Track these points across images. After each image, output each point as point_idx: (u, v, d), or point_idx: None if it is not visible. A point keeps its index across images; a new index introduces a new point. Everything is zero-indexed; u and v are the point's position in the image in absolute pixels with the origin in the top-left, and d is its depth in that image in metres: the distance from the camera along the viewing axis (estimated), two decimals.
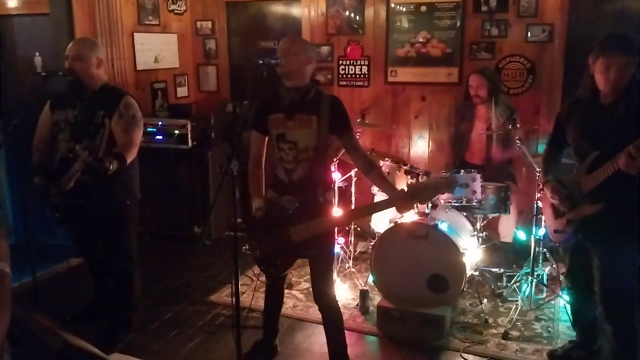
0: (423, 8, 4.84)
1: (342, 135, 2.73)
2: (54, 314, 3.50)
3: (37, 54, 4.69)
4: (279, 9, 5.47)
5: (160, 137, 4.86)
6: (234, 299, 2.47)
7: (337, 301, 2.94)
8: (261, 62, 2.39)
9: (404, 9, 4.90)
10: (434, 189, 2.52)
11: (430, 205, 3.66)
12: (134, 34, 4.96)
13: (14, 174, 5.05)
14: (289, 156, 2.72)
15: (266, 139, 2.84)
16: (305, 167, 2.72)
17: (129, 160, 2.98)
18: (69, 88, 3.12)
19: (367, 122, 4.46)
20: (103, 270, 3.53)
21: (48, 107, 3.22)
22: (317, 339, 3.37)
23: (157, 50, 5.27)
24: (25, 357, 2.25)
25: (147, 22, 5.12)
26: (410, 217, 3.75)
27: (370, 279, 3.82)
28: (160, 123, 4.87)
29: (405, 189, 2.58)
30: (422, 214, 3.72)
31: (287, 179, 2.76)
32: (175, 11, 5.48)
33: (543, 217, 3.38)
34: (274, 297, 3.16)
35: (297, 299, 3.95)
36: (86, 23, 4.50)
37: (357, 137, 4.43)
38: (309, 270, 2.97)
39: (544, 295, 3.87)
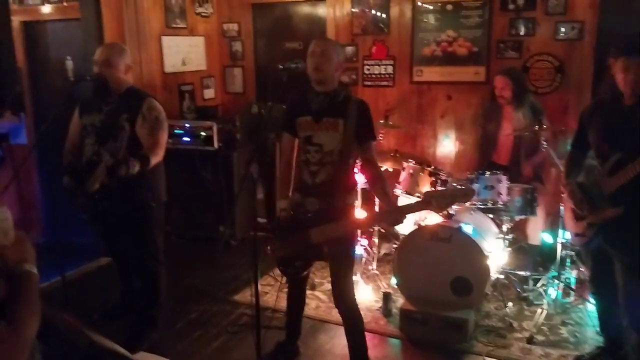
0: (449, 6, 4.80)
1: (363, 143, 2.75)
2: (82, 312, 3.62)
3: (68, 57, 4.82)
4: (304, 9, 5.49)
5: (187, 139, 4.93)
6: (254, 299, 2.52)
7: (357, 304, 2.94)
8: (281, 67, 2.41)
9: (430, 8, 4.86)
10: (450, 198, 2.52)
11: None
12: (162, 37, 5.03)
13: (46, 175, 5.20)
14: (314, 158, 2.75)
15: (296, 141, 2.86)
16: (329, 170, 2.74)
17: (154, 162, 3.02)
18: (96, 93, 3.19)
19: (391, 123, 4.44)
20: (130, 270, 3.61)
21: (77, 112, 3.30)
22: (340, 340, 3.38)
23: (185, 52, 5.34)
24: (54, 355, 2.33)
25: (175, 26, 5.20)
26: (434, 219, 3.73)
27: (394, 281, 3.81)
28: (187, 125, 4.94)
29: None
30: (446, 216, 3.69)
31: (311, 181, 2.78)
32: (202, 14, 5.54)
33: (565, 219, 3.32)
34: (296, 299, 3.19)
35: (320, 300, 3.96)
36: (114, 27, 4.60)
37: (380, 139, 4.45)
38: None
39: (572, 299, 3.79)
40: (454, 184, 3.75)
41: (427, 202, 2.50)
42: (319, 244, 2.69)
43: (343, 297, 2.88)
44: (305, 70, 2.72)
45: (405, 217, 2.54)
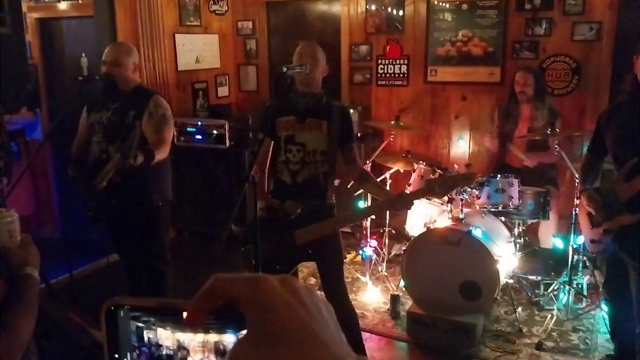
0: (464, 6, 4.74)
1: (344, 145, 2.77)
2: (91, 309, 3.65)
3: (83, 54, 4.85)
4: (318, 7, 5.46)
5: (199, 137, 4.94)
6: None
7: (350, 302, 2.95)
8: (285, 69, 2.40)
9: (445, 6, 4.81)
10: (451, 182, 2.51)
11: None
12: (175, 35, 5.04)
13: (61, 172, 5.25)
14: (296, 157, 2.75)
15: (272, 143, 2.85)
16: (311, 169, 2.75)
17: (157, 158, 3.00)
18: (104, 91, 3.21)
19: (402, 124, 4.40)
20: (137, 268, 3.62)
21: (85, 110, 3.32)
22: None
23: (199, 50, 5.35)
24: (57, 353, 2.35)
25: (189, 23, 5.20)
26: (443, 222, 3.69)
27: (402, 283, 3.77)
28: (199, 123, 4.95)
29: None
30: (456, 220, 3.64)
31: (291, 180, 2.77)
32: (217, 11, 5.54)
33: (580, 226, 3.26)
34: None
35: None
36: (128, 25, 4.61)
37: (391, 139, 4.41)
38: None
39: (584, 304, 3.73)
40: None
41: (430, 189, 2.49)
42: (303, 246, 2.66)
43: (336, 297, 2.86)
44: (308, 73, 2.70)
45: (413, 202, 2.53)
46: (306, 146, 2.74)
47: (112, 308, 0.51)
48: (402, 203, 2.57)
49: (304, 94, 2.76)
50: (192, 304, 0.46)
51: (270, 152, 2.86)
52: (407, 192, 2.78)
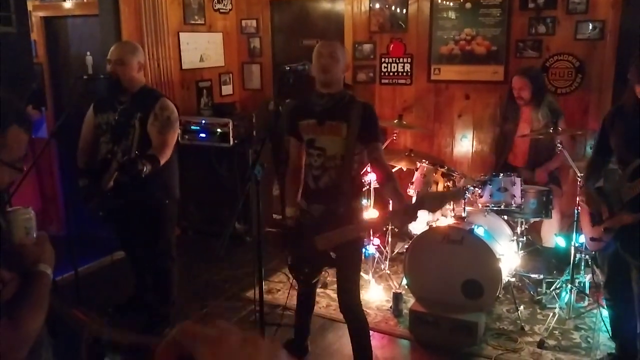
0: (468, 5, 4.74)
1: (368, 144, 2.69)
2: (96, 306, 3.68)
3: (88, 53, 4.88)
4: (322, 6, 5.47)
5: (203, 135, 4.96)
6: (257, 296, 2.54)
7: (362, 310, 2.95)
8: (287, 68, 2.40)
9: (449, 5, 4.81)
10: (441, 199, 2.51)
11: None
12: (180, 33, 5.06)
13: (66, 169, 5.28)
14: (317, 162, 2.72)
15: (302, 145, 2.82)
16: (332, 174, 2.70)
17: (162, 161, 3.05)
18: (110, 91, 3.23)
19: (405, 122, 4.41)
20: (143, 266, 3.65)
21: (91, 110, 3.34)
22: (348, 340, 3.36)
23: (203, 49, 5.36)
24: (62, 350, 2.38)
25: (193, 22, 5.22)
26: (446, 220, 3.70)
27: (404, 281, 3.79)
28: (203, 121, 4.98)
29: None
30: (459, 218, 3.65)
31: (314, 185, 2.75)
32: (221, 10, 5.56)
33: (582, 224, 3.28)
34: (305, 302, 3.19)
35: (331, 298, 3.97)
36: (132, 23, 4.63)
37: (394, 138, 4.42)
38: None
39: (586, 303, 3.73)
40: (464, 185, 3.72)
41: (421, 203, 2.48)
42: (325, 251, 2.65)
43: (348, 303, 2.87)
44: (310, 72, 2.70)
45: (416, 216, 2.49)
46: (326, 151, 2.69)
47: (93, 342, 0.52)
48: (400, 218, 2.57)
49: (321, 95, 2.70)
50: (157, 352, 0.48)
51: (302, 155, 2.79)
52: (399, 208, 2.68)
